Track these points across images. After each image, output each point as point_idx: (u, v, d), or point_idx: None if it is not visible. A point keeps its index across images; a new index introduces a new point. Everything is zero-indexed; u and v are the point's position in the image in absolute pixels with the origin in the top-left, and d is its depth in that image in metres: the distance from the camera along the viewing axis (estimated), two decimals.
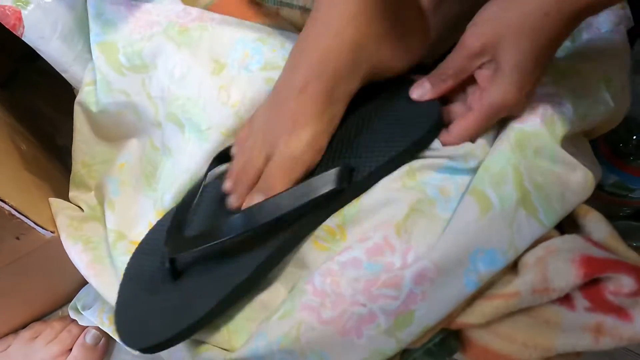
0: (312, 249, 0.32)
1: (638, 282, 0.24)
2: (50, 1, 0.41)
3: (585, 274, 0.25)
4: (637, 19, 0.49)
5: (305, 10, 0.49)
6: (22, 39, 0.40)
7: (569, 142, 0.39)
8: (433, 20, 0.40)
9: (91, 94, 0.42)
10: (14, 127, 0.50)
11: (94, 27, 0.41)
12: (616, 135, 0.45)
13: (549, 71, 0.36)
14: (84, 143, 0.44)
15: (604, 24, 0.49)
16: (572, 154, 0.39)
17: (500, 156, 0.32)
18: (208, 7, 0.41)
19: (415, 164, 0.33)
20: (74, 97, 0.44)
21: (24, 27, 0.40)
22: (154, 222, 0.36)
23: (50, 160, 0.52)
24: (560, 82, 0.37)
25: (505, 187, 0.30)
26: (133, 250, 0.35)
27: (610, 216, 0.58)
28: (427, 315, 0.27)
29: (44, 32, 0.41)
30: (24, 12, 0.39)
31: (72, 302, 0.44)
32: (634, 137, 0.46)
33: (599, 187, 0.53)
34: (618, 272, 0.24)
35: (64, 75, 0.43)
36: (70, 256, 0.37)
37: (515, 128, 0.33)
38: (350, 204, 0.32)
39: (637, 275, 0.24)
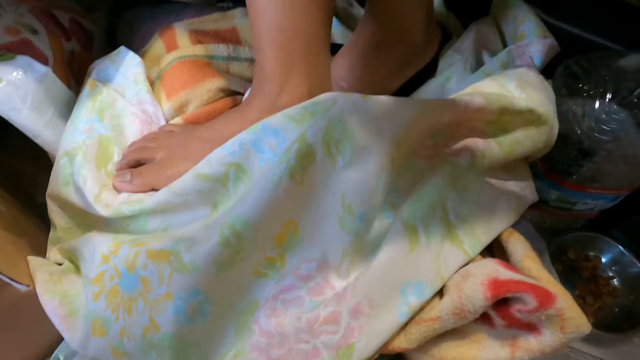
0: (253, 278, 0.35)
1: (536, 299, 0.27)
2: (20, 77, 0.45)
3: (492, 296, 0.28)
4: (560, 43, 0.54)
5: (252, 61, 0.53)
6: None
7: (501, 169, 0.43)
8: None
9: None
10: None
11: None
12: (550, 153, 0.49)
13: (493, 109, 0.40)
14: (60, 217, 0.47)
15: (536, 54, 0.54)
16: (503, 179, 0.43)
17: (433, 190, 0.36)
18: (162, 72, 0.46)
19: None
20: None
21: None
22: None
23: (28, 217, 0.55)
24: (490, 124, 0.41)
25: (432, 223, 0.34)
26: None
27: (566, 228, 0.62)
28: (365, 346, 0.31)
29: (15, 104, 0.44)
30: None
31: (54, 353, 0.47)
32: (566, 156, 0.50)
33: (545, 202, 0.57)
34: (520, 292, 0.28)
35: (36, 141, 0.47)
36: (46, 311, 0.40)
37: (451, 162, 0.37)
38: (291, 233, 0.36)
39: (536, 293, 0.27)
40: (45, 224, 0.52)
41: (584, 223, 0.61)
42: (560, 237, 0.59)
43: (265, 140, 0.36)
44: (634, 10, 0.58)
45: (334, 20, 0.60)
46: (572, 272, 0.58)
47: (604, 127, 0.47)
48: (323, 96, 0.35)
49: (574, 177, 0.51)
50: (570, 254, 0.59)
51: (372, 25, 0.48)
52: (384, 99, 0.35)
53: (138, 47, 0.57)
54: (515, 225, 0.40)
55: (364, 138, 0.34)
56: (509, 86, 0.44)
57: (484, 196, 0.36)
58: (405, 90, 0.56)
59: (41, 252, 0.49)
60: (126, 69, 0.47)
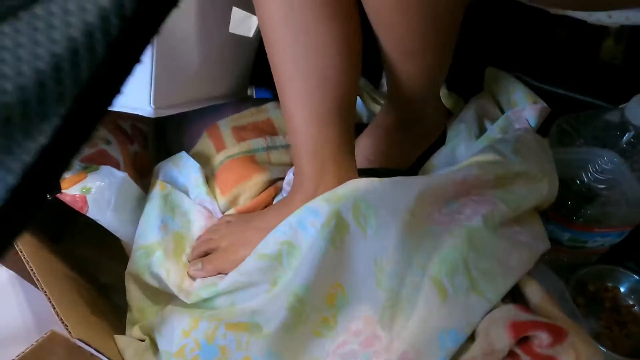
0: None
1: (551, 335, 0.34)
2: (105, 184, 0.55)
3: (514, 336, 0.35)
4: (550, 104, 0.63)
5: (287, 147, 0.63)
6: (87, 215, 0.54)
7: (513, 222, 0.50)
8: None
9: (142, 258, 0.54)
10: (70, 276, 0.62)
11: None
12: (556, 200, 0.55)
13: (491, 178, 0.48)
14: (137, 298, 0.55)
15: (530, 118, 0.62)
16: (515, 232, 0.50)
17: (454, 250, 0.43)
18: (216, 171, 0.55)
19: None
20: (112, 240, 0.56)
21: (88, 207, 0.53)
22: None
23: (102, 298, 0.63)
24: (497, 187, 0.48)
25: (457, 278, 0.41)
26: None
27: (583, 263, 0.68)
28: None
29: (102, 208, 0.54)
30: (88, 197, 0.53)
31: None
32: (569, 201, 0.56)
33: (559, 243, 0.63)
34: (537, 330, 0.34)
35: (116, 234, 0.56)
36: None
37: (465, 226, 0.45)
38: (339, 294, 0.43)
39: (550, 330, 0.34)
40: (111, 302, 0.60)
41: (599, 257, 0.67)
42: (578, 272, 0.64)
43: (308, 219, 0.45)
44: (614, 68, 0.66)
45: (358, 100, 0.70)
46: (595, 304, 0.63)
47: (600, 176, 0.54)
48: (349, 183, 0.44)
49: (580, 219, 0.58)
50: (590, 286, 0.64)
51: (394, 109, 0.58)
52: (397, 179, 0.45)
53: (188, 146, 0.67)
54: (534, 269, 0.46)
55: (384, 211, 0.43)
56: (505, 152, 0.52)
57: (499, 251, 0.43)
58: (422, 158, 0.65)
59: (118, 329, 0.56)
60: (188, 173, 0.57)
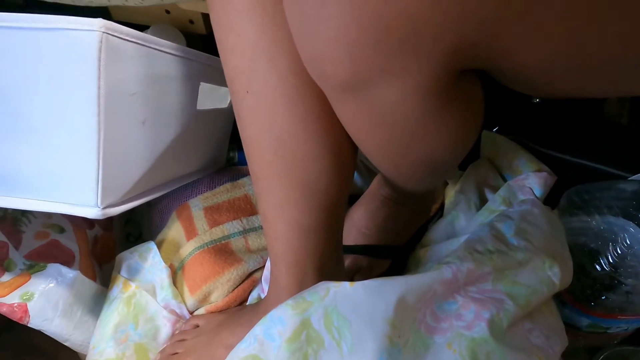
0: None
1: None
2: (52, 287, 0.47)
3: None
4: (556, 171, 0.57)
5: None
6: (28, 325, 0.46)
7: (525, 318, 0.43)
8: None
9: None
10: None
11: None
12: (573, 285, 0.49)
13: (487, 270, 0.41)
14: None
15: (534, 187, 0.56)
16: (526, 332, 0.42)
17: None
18: (184, 264, 0.48)
19: None
20: None
21: (29, 317, 0.45)
22: None
23: None
24: (499, 279, 0.41)
25: None
26: None
27: (603, 345, 0.60)
28: None
29: (47, 315, 0.46)
30: (30, 304, 0.45)
31: None
32: (589, 288, 0.50)
33: (577, 328, 0.56)
34: None
35: (65, 344, 0.48)
36: None
37: (466, 337, 0.37)
38: None
39: None
40: None
41: (622, 339, 0.59)
42: (601, 353, 0.57)
43: (275, 328, 0.38)
44: (621, 128, 0.61)
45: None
46: None
47: (623, 260, 0.48)
48: (318, 286, 0.37)
49: (601, 307, 0.51)
50: None
51: (389, 186, 0.52)
52: (370, 283, 0.37)
53: (159, 224, 0.60)
54: None
55: (358, 323, 0.36)
56: (507, 234, 0.45)
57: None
58: (419, 231, 0.59)
59: None
60: (154, 270, 0.49)
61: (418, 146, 0.31)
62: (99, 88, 0.34)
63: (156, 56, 0.42)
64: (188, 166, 0.57)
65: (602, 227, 0.51)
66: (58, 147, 0.37)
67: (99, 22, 0.33)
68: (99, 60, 0.34)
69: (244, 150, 0.38)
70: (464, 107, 0.30)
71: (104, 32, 0.33)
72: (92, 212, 0.38)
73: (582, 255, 0.51)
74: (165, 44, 0.43)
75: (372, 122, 0.29)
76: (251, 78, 0.33)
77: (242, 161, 0.75)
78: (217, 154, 0.65)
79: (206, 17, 0.64)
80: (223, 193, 0.59)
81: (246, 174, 0.63)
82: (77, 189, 0.38)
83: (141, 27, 0.67)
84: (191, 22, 0.65)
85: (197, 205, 0.57)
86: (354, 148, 0.37)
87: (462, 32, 0.22)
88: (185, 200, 0.59)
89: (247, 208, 0.58)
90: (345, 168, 0.37)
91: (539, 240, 0.46)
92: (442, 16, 0.21)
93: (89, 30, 0.33)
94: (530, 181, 0.56)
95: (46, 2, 0.58)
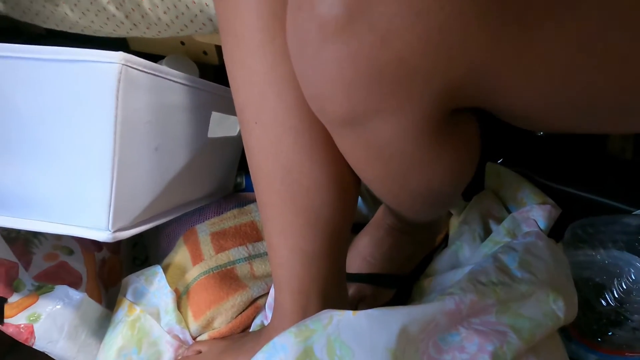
0: None
1: None
2: (58, 308, 0.47)
3: None
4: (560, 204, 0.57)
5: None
6: (33, 347, 0.46)
7: (530, 352, 0.43)
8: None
9: None
10: None
11: None
12: (579, 319, 0.49)
13: (490, 302, 0.41)
14: None
15: (539, 219, 0.56)
16: None
17: None
18: (189, 288, 0.48)
19: None
20: None
21: (35, 338, 0.46)
22: None
23: None
24: (503, 312, 0.41)
25: None
26: None
27: None
28: None
29: (53, 337, 0.47)
30: (36, 326, 0.46)
31: None
32: (596, 323, 0.49)
33: None
34: None
35: None
36: None
37: None
38: None
39: None
40: None
41: None
42: None
43: (277, 356, 0.38)
44: (625, 163, 0.62)
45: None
46: None
47: (629, 295, 0.47)
48: (321, 314, 0.37)
49: (608, 343, 0.50)
50: None
51: (394, 215, 0.52)
52: (373, 313, 0.37)
53: (166, 248, 0.61)
54: None
55: (361, 353, 0.36)
56: (510, 265, 0.45)
57: None
58: (423, 261, 0.59)
59: None
60: (160, 294, 0.50)
61: (415, 178, 0.33)
62: (116, 117, 0.36)
63: (170, 87, 0.43)
64: (197, 192, 0.58)
65: (607, 261, 0.51)
66: (74, 172, 0.38)
67: (119, 55, 0.35)
68: (118, 90, 0.35)
69: (251, 177, 0.39)
70: (459, 143, 0.32)
71: (123, 65, 0.35)
72: (103, 235, 0.39)
73: (587, 290, 0.50)
74: (179, 75, 0.45)
75: (369, 155, 0.31)
76: (260, 110, 0.34)
77: (250, 187, 0.76)
78: (225, 181, 0.66)
79: (219, 49, 0.67)
80: (230, 219, 0.60)
81: (253, 200, 0.64)
82: (89, 213, 0.39)
83: (157, 57, 0.70)
84: (205, 53, 0.68)
85: (204, 230, 0.58)
86: (357, 178, 0.38)
87: (450, 77, 0.23)
88: (192, 225, 0.60)
89: (253, 234, 0.58)
90: (348, 197, 0.38)
91: (542, 273, 0.46)
92: (431, 62, 0.23)
93: (110, 63, 0.35)
94: (535, 213, 0.56)
95: (67, 32, 0.61)
